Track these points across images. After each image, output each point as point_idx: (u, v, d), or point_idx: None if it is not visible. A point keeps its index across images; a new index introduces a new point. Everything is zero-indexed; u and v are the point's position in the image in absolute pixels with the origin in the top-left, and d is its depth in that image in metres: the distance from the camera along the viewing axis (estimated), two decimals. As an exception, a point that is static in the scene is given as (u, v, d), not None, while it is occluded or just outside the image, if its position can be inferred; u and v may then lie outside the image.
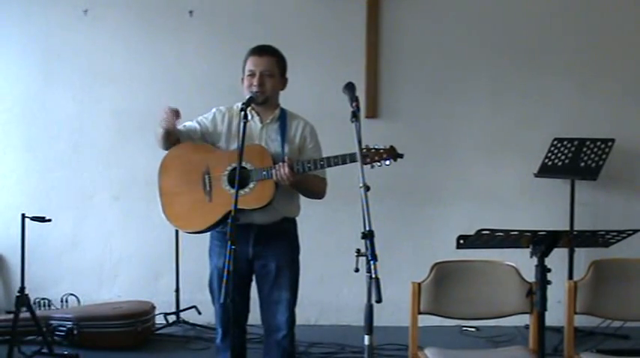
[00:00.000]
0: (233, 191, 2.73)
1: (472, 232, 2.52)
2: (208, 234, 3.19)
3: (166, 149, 3.17)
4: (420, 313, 3.10)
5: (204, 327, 4.82)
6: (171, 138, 3.12)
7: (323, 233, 4.90)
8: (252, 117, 3.10)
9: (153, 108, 4.99)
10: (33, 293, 4.35)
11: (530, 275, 2.81)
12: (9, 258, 5.09)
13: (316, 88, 4.88)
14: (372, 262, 2.32)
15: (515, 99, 5.14)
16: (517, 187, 5.09)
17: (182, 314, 4.96)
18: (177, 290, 4.96)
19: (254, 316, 3.24)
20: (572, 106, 5.10)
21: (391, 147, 2.96)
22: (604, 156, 4.63)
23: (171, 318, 4.95)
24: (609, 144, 4.67)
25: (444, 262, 3.15)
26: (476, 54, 5.12)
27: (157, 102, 5.03)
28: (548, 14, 5.11)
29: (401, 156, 2.96)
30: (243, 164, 2.96)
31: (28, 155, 5.18)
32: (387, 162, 2.94)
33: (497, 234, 2.53)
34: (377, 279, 2.29)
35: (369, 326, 2.37)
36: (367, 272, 2.32)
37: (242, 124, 2.78)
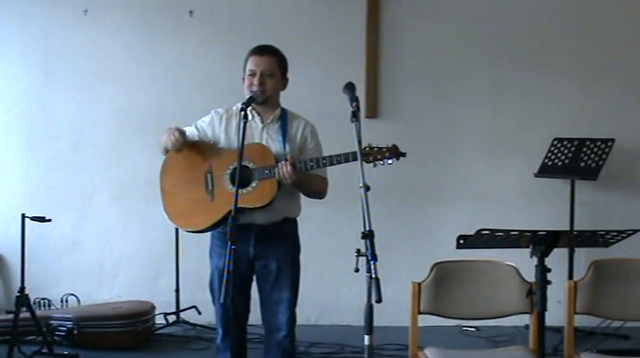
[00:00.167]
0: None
1: (472, 232, 2.52)
2: (209, 234, 3.19)
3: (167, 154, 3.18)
4: (420, 313, 3.10)
5: (205, 327, 4.82)
6: None
7: (323, 233, 4.90)
8: (253, 117, 3.10)
9: (153, 108, 5.10)
10: (33, 293, 4.35)
11: (530, 275, 2.81)
12: (9, 258, 5.09)
13: (316, 88, 4.88)
14: (372, 262, 2.32)
15: (515, 99, 5.14)
16: (517, 187, 5.09)
17: (182, 314, 4.96)
18: (177, 290, 4.96)
19: (254, 316, 3.24)
20: (572, 106, 5.11)
21: (394, 145, 2.96)
22: (604, 156, 4.63)
23: (171, 318, 4.95)
24: (609, 144, 4.67)
25: (444, 262, 3.15)
26: (476, 54, 5.12)
27: (157, 102, 5.11)
28: (548, 14, 5.11)
29: (404, 154, 2.96)
30: (246, 163, 2.97)
31: (28, 155, 5.18)
32: (390, 161, 2.94)
33: (497, 234, 2.53)
34: (377, 279, 2.29)
35: (369, 326, 2.37)
36: (367, 272, 2.33)
37: (242, 124, 2.78)
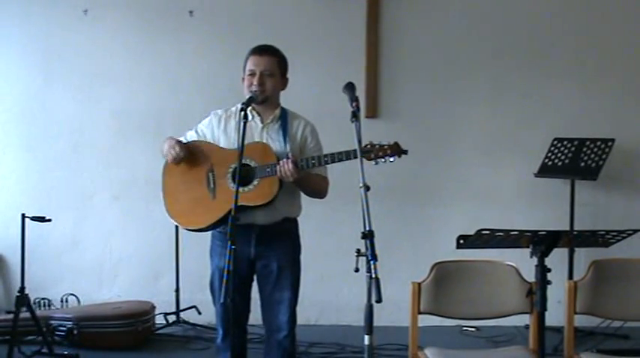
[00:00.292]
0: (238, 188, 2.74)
1: (472, 232, 2.52)
2: (209, 233, 3.19)
3: None
4: (420, 313, 3.10)
5: (205, 327, 4.81)
6: None
7: (323, 233, 4.90)
8: (253, 117, 3.10)
9: (153, 108, 5.10)
10: (33, 293, 4.35)
11: (530, 275, 2.81)
12: (9, 258, 5.09)
13: (316, 88, 4.88)
14: (372, 262, 2.32)
15: (515, 100, 5.14)
16: (517, 187, 5.09)
17: (182, 314, 4.96)
18: (177, 290, 4.96)
19: (254, 316, 3.24)
20: (572, 106, 5.11)
21: (395, 143, 2.95)
22: (604, 156, 4.63)
23: (172, 318, 4.94)
24: (609, 144, 4.67)
25: (444, 262, 3.15)
26: (476, 54, 5.12)
27: (157, 102, 5.11)
28: (548, 14, 5.11)
29: (405, 152, 2.95)
30: (247, 161, 2.97)
31: (27, 155, 5.18)
32: (392, 159, 2.93)
33: (497, 234, 2.53)
34: (377, 279, 2.29)
35: (369, 326, 2.37)
36: (367, 272, 2.33)
37: (242, 124, 2.78)
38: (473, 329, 4.87)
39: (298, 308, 3.19)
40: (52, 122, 5.15)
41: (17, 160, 5.18)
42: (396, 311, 4.42)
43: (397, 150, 2.94)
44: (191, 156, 3.12)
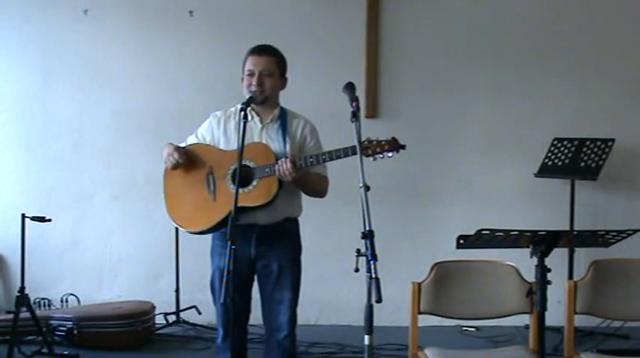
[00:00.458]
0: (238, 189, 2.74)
1: (472, 232, 2.52)
2: (210, 234, 3.19)
3: None
4: (420, 313, 3.10)
5: (205, 327, 4.81)
6: None
7: (323, 233, 4.90)
8: (252, 117, 3.10)
9: (152, 108, 5.10)
10: (33, 293, 4.35)
11: (530, 275, 2.80)
12: (9, 258, 5.09)
13: (316, 88, 4.88)
14: (372, 262, 2.33)
15: (516, 100, 5.14)
16: (517, 187, 5.09)
17: (182, 314, 4.96)
18: (177, 290, 4.96)
19: (254, 316, 3.24)
20: (572, 106, 5.11)
21: (393, 138, 2.93)
22: (604, 156, 4.63)
23: (172, 318, 4.94)
24: (609, 144, 4.67)
25: (444, 262, 3.15)
26: (476, 54, 5.12)
27: (157, 103, 5.11)
28: (548, 14, 5.11)
29: (403, 147, 2.93)
30: (246, 162, 2.97)
31: (27, 155, 5.18)
32: (390, 154, 2.91)
33: (497, 233, 2.53)
34: (377, 279, 2.29)
35: (369, 326, 2.37)
36: (367, 272, 2.33)
37: (242, 124, 2.78)
38: (473, 329, 4.87)
39: (298, 308, 3.19)
40: (52, 122, 5.15)
41: (17, 160, 5.18)
42: (396, 311, 4.42)
43: (395, 146, 2.92)
44: (190, 159, 3.12)
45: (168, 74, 5.12)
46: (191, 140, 3.22)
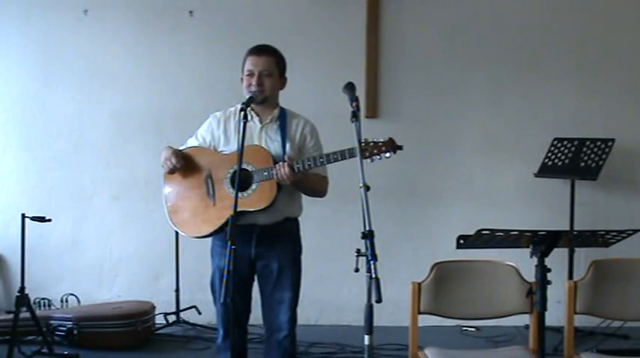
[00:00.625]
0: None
1: (472, 232, 2.52)
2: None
3: None
4: (420, 313, 3.10)
5: (205, 327, 4.81)
6: None
7: (323, 233, 4.90)
8: (252, 117, 3.09)
9: (152, 109, 5.10)
10: (33, 293, 4.35)
11: (530, 275, 2.81)
12: (9, 258, 5.09)
13: (316, 88, 4.88)
14: (372, 262, 2.32)
15: (515, 100, 5.14)
16: (517, 187, 5.09)
17: (182, 314, 4.96)
18: (177, 290, 4.96)
19: (255, 316, 3.24)
20: (572, 106, 5.11)
21: (390, 139, 2.93)
22: (604, 156, 4.63)
23: (172, 318, 4.94)
24: (609, 144, 4.67)
25: (444, 262, 3.15)
26: (476, 54, 5.12)
27: (157, 103, 5.11)
28: (548, 15, 5.11)
29: (400, 147, 2.93)
30: (245, 165, 2.96)
31: (27, 155, 5.18)
32: (387, 155, 2.91)
33: (497, 233, 2.53)
34: (377, 279, 2.29)
35: (369, 326, 2.37)
36: (367, 272, 2.32)
37: (242, 124, 2.78)
38: (473, 329, 4.87)
39: (298, 308, 3.19)
40: (52, 122, 5.15)
41: (17, 160, 5.18)
42: (396, 311, 4.42)
43: (392, 146, 2.91)
44: (188, 163, 3.12)
45: (168, 74, 5.12)
46: (191, 142, 3.22)
